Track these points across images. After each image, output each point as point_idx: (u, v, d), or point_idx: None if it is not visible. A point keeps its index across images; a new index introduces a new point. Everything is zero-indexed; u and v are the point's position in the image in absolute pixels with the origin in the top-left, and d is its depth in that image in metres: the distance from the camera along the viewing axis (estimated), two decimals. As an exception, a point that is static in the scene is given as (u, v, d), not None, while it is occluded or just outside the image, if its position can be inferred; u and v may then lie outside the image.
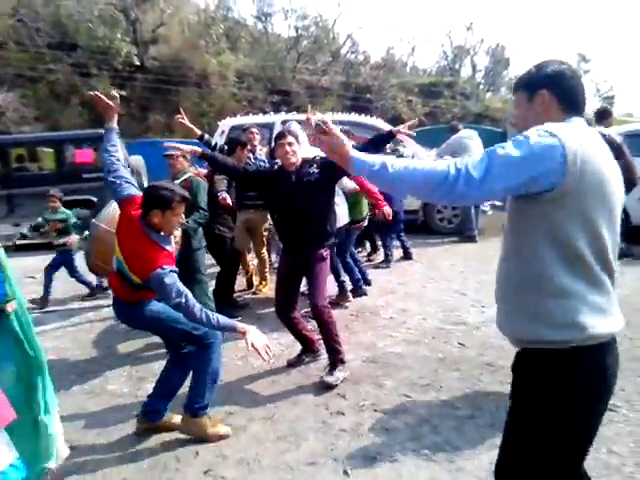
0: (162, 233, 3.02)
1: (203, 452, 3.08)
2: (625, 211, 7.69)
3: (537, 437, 1.63)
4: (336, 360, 3.85)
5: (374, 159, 1.65)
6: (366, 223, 5.99)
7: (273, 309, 4.19)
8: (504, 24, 49.85)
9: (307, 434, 3.20)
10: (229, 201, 5.11)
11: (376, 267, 7.23)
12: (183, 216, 4.30)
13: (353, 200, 5.56)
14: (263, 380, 3.97)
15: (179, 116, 4.71)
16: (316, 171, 3.71)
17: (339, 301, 5.56)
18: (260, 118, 9.27)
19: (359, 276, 5.84)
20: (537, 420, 1.64)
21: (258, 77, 28.64)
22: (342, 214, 5.02)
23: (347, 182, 5.15)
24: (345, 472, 2.81)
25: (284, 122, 7.00)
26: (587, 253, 1.54)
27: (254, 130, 6.06)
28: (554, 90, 1.67)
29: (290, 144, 3.72)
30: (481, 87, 34.64)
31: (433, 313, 5.20)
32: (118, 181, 3.11)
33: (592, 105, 42.16)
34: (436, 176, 1.53)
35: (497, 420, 3.17)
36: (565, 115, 1.67)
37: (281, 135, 3.80)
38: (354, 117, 9.52)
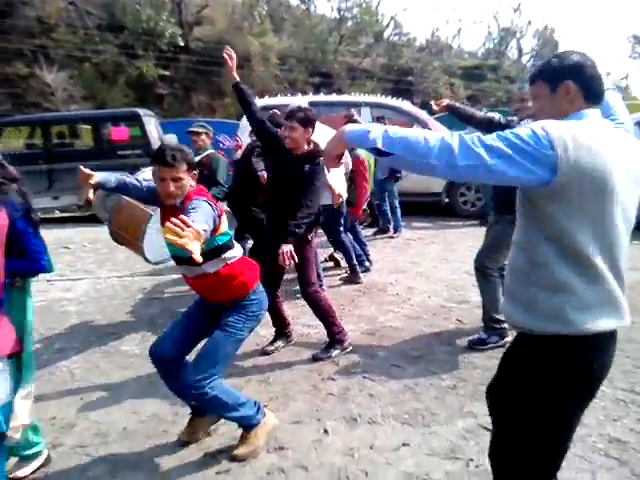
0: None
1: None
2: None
3: (519, 420, 1.70)
4: (334, 339, 3.96)
5: (369, 127, 1.59)
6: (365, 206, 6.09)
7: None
8: (553, 5, 48.17)
9: (297, 396, 3.40)
10: None
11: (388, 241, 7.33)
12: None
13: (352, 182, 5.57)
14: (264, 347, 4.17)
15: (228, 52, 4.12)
16: (308, 171, 3.69)
17: (352, 279, 5.72)
18: (289, 99, 9.40)
19: (355, 260, 5.89)
20: (520, 402, 1.70)
21: (300, 59, 28.78)
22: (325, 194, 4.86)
23: (349, 162, 5.22)
24: (325, 431, 2.99)
25: (312, 104, 7.03)
26: (591, 251, 1.53)
27: (277, 112, 6.22)
28: (578, 81, 1.65)
29: (292, 128, 3.64)
30: (527, 71, 33.77)
31: (439, 291, 5.31)
32: None
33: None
34: (426, 145, 1.49)
35: (478, 392, 3.30)
36: (587, 105, 1.65)
37: (288, 116, 3.73)
38: (379, 99, 9.60)
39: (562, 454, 1.77)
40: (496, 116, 4.00)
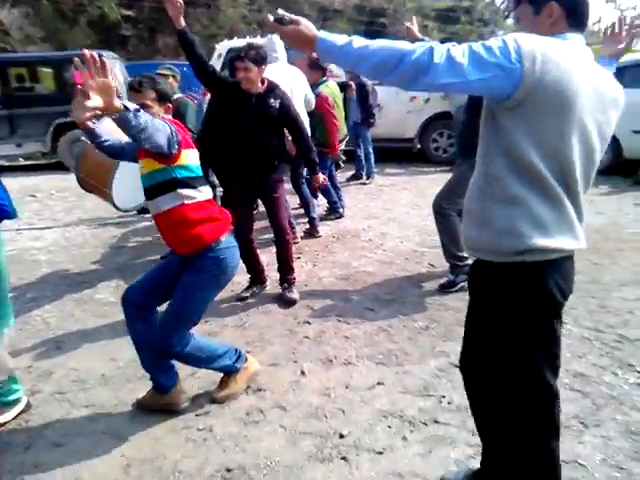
0: None
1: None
2: (618, 142, 7.63)
3: (491, 345, 1.69)
4: (291, 279, 4.09)
5: (341, 37, 1.52)
6: (343, 146, 6.02)
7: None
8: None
9: (273, 340, 3.46)
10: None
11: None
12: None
13: (315, 122, 5.37)
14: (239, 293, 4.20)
15: None
16: (276, 106, 3.69)
17: (311, 232, 5.57)
18: (259, 40, 9.13)
19: (336, 198, 5.96)
20: (489, 330, 1.70)
21: (269, -1, 27.77)
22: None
23: (311, 99, 5.08)
24: (302, 372, 3.06)
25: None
26: (542, 169, 1.50)
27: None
28: (563, 3, 1.60)
29: (246, 69, 3.56)
30: (501, 13, 33.28)
31: (411, 236, 5.38)
32: None
33: None
34: (396, 52, 1.45)
35: (450, 332, 3.41)
36: (570, 29, 1.61)
37: (238, 57, 3.63)
38: None
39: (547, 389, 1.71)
40: None
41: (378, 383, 2.92)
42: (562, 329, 3.34)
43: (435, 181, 7.94)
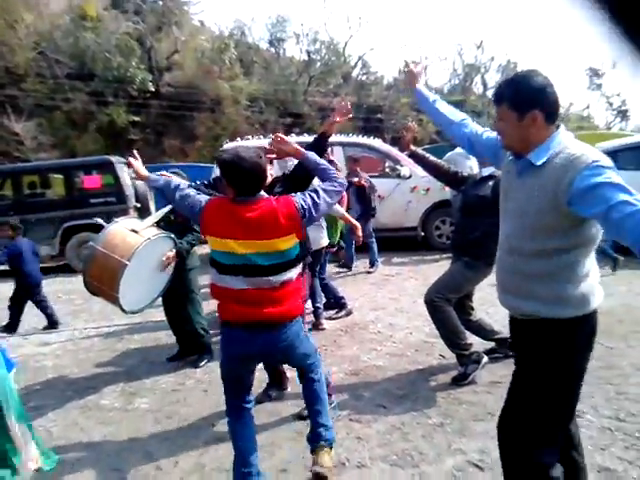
0: None
1: (182, 462, 3.22)
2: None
3: (540, 390, 1.98)
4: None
5: None
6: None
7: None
8: (514, 41, 50.15)
9: (282, 443, 3.33)
10: None
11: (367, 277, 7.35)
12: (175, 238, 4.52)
13: (330, 223, 5.65)
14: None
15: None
16: (280, 189, 3.78)
17: (315, 324, 5.52)
18: (260, 141, 9.51)
19: (342, 294, 5.93)
20: (541, 377, 1.98)
21: (270, 101, 29.22)
22: (322, 236, 5.12)
23: (338, 207, 5.26)
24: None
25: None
26: (593, 248, 1.91)
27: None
28: (544, 108, 1.78)
29: None
30: (492, 105, 34.81)
31: (420, 327, 5.31)
32: None
33: (605, 119, 42.19)
34: None
35: (466, 428, 3.29)
36: (550, 126, 1.82)
37: None
38: (350, 138, 9.82)
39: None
40: (459, 171, 4.04)
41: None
42: (582, 419, 3.24)
43: (442, 267, 7.94)
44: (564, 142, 1.80)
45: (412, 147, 3.77)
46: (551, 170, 1.78)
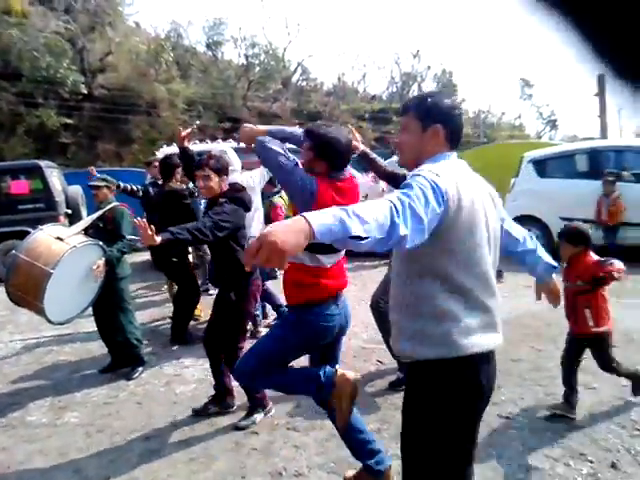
0: None
1: (116, 476, 3.10)
2: (548, 229, 8.13)
3: (425, 443, 1.76)
4: (255, 402, 3.72)
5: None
6: None
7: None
8: (449, 51, 51.66)
9: (219, 455, 3.27)
10: None
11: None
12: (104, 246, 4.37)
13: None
14: (184, 405, 4.00)
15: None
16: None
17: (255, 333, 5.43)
18: (200, 146, 9.34)
19: (281, 302, 5.83)
20: (422, 426, 1.76)
21: (208, 105, 28.83)
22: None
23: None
24: (251, 489, 2.89)
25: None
26: (467, 283, 1.67)
27: (156, 164, 6.47)
28: (447, 126, 1.79)
29: (205, 177, 3.58)
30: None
31: (358, 333, 5.35)
32: None
33: (535, 128, 44.15)
34: None
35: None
36: (447, 149, 1.81)
37: (198, 167, 3.67)
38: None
39: (470, 463, 1.85)
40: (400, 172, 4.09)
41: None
42: (512, 421, 3.34)
43: (381, 273, 8.04)
44: (441, 164, 1.72)
45: (362, 148, 3.72)
46: None
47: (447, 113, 1.80)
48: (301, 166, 2.64)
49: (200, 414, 3.80)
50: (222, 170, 3.67)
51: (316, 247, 2.45)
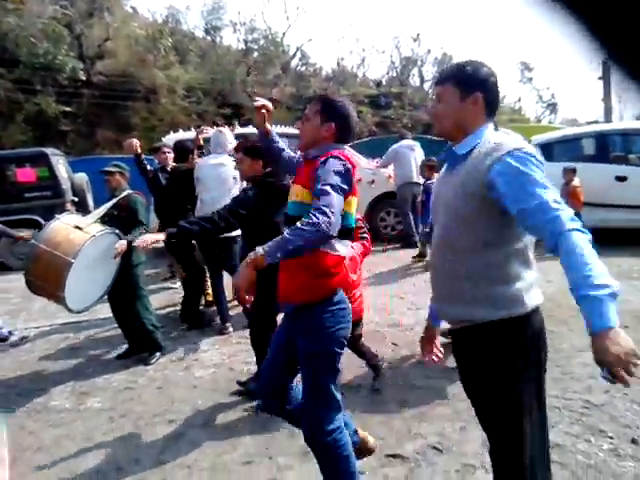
0: None
1: (144, 459, 3.17)
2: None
3: (510, 402, 1.80)
4: None
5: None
6: None
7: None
8: (450, 34, 51.23)
9: (244, 436, 3.33)
10: None
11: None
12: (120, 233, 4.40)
13: None
14: (204, 388, 4.07)
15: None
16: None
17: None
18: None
19: None
20: (503, 387, 1.80)
21: (208, 91, 28.61)
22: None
23: None
24: (279, 469, 2.96)
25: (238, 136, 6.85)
26: (521, 243, 1.78)
27: (166, 150, 6.34)
28: (487, 95, 1.79)
29: (239, 160, 3.76)
30: (429, 97, 35.56)
31: (370, 316, 5.39)
32: None
33: (535, 112, 44.00)
34: None
35: (423, 413, 3.40)
36: (487, 119, 1.82)
37: (236, 149, 3.86)
38: (288, 130, 9.50)
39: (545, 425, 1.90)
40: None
41: (359, 472, 2.83)
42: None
43: (389, 258, 8.15)
44: (489, 135, 1.79)
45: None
46: (473, 158, 1.76)
47: (486, 80, 1.80)
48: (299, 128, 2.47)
49: (242, 387, 3.93)
50: (254, 152, 3.61)
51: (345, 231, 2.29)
